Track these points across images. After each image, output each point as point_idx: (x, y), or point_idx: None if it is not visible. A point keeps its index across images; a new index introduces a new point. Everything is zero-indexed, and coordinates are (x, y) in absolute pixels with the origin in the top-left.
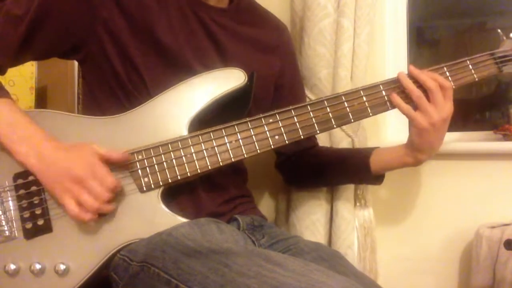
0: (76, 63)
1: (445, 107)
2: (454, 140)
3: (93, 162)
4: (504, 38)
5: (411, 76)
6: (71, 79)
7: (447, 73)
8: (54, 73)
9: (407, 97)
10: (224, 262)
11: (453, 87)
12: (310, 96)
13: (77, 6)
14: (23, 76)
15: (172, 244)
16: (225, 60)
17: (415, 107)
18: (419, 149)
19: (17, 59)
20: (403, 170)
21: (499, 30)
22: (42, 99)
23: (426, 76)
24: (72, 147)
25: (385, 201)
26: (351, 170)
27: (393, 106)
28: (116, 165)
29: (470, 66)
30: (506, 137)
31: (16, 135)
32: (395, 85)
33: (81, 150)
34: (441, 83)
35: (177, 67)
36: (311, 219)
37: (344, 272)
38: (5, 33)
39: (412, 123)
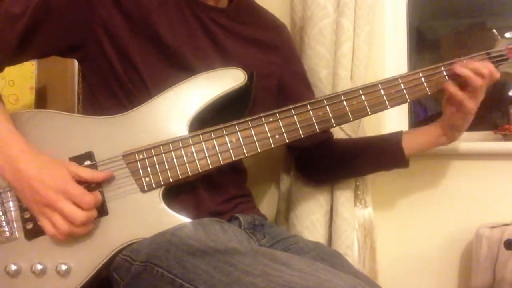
0: (76, 63)
1: (483, 92)
2: None
3: (65, 182)
4: (499, 37)
5: (463, 66)
6: (71, 79)
7: (444, 72)
8: (54, 73)
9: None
10: (230, 262)
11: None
12: None
13: (75, 6)
14: (23, 76)
15: (176, 244)
16: (225, 60)
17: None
18: (460, 129)
19: (15, 58)
20: (403, 170)
21: (494, 30)
22: (42, 99)
23: (479, 64)
24: (46, 164)
25: (385, 201)
26: (384, 156)
27: (392, 105)
28: (89, 183)
29: None
30: (506, 137)
31: None
32: (393, 84)
33: (54, 168)
34: (493, 71)
35: (176, 66)
36: (310, 219)
37: (343, 271)
38: (3, 31)
39: (462, 108)
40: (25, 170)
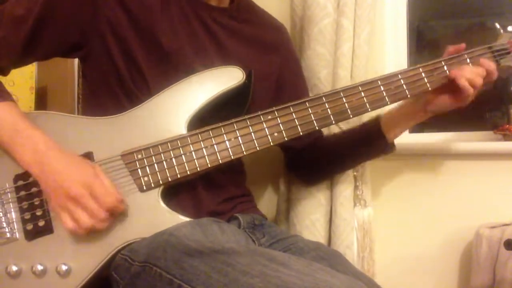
0: (76, 63)
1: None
2: (454, 140)
3: (92, 178)
4: (502, 31)
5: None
6: (71, 79)
7: (445, 67)
8: (54, 73)
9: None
10: (227, 262)
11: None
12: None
13: (80, 6)
14: (23, 76)
15: (174, 244)
16: (225, 59)
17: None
18: (442, 112)
19: (21, 60)
20: (403, 170)
21: (496, 24)
22: (42, 99)
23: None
24: (74, 160)
25: (385, 201)
26: (369, 148)
27: (392, 102)
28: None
29: (468, 60)
30: (506, 137)
31: (19, 142)
32: (393, 80)
33: (81, 165)
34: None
35: (178, 67)
36: (310, 219)
37: (343, 272)
38: (8, 34)
39: (462, 92)
40: (52, 164)
